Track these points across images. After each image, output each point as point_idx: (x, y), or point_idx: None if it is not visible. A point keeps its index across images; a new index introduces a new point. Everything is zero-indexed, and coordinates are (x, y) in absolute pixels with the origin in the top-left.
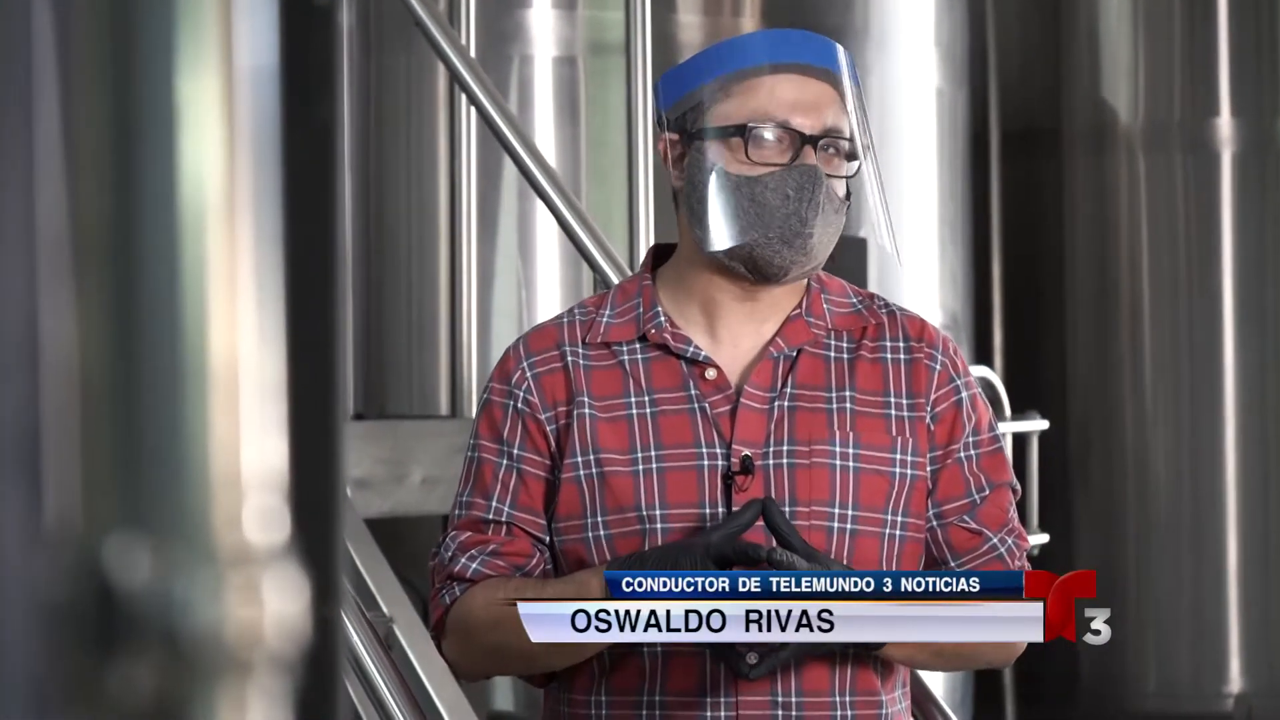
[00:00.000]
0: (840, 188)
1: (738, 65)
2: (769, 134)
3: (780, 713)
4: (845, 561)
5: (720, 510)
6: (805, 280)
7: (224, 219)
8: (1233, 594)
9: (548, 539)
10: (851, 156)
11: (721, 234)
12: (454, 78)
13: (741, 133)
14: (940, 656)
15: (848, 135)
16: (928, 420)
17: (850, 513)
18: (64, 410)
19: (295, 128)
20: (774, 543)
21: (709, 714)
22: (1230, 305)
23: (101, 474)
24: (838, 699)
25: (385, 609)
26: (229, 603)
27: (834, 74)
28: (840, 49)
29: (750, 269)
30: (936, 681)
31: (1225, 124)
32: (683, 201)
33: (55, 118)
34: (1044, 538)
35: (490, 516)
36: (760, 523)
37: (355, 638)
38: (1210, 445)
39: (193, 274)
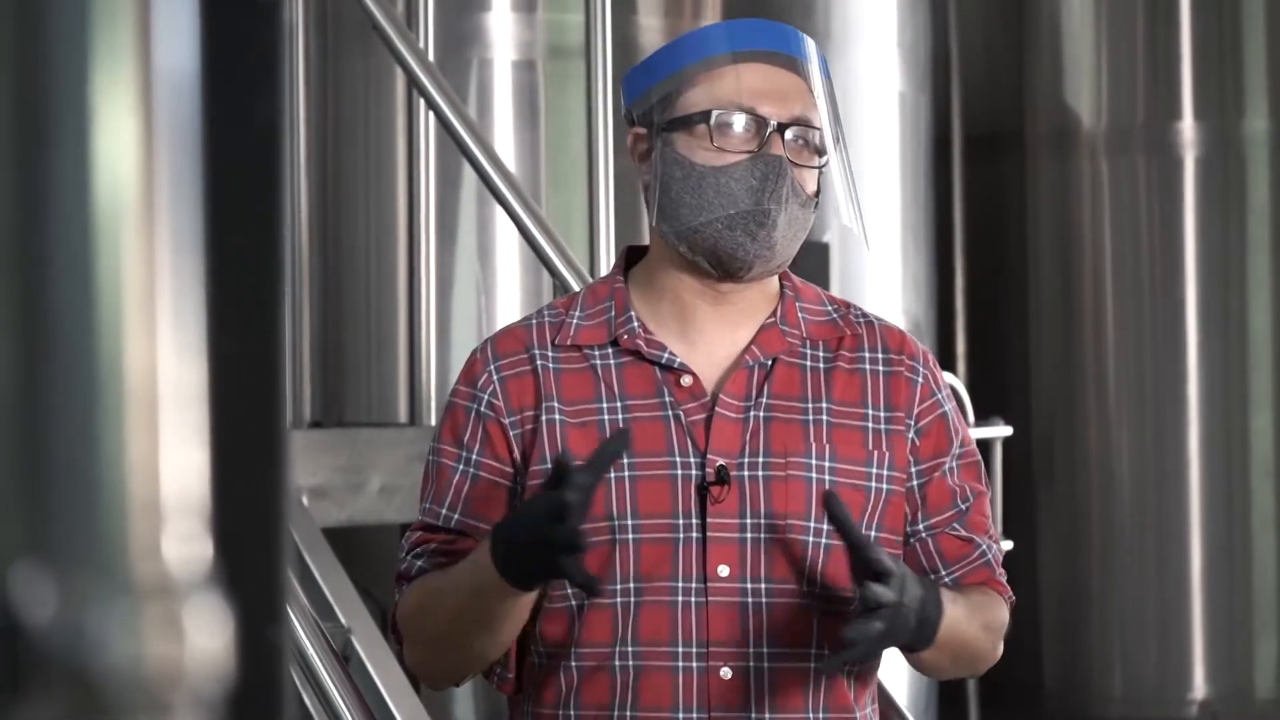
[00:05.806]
0: (809, 181)
1: (702, 55)
2: (735, 121)
3: None
4: (819, 575)
5: (694, 521)
6: (778, 285)
7: (140, 224)
8: (1196, 599)
9: None
10: (821, 151)
11: (686, 223)
12: (412, 81)
13: (706, 120)
14: (958, 662)
15: (817, 126)
16: (909, 435)
17: (825, 526)
18: None
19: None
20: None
21: None
22: (1193, 308)
23: (5, 498)
24: (812, 715)
25: (343, 619)
26: (146, 638)
27: (802, 64)
28: (809, 40)
29: (714, 263)
30: (901, 689)
31: (1188, 127)
32: (650, 195)
33: None
34: (1008, 544)
35: (440, 523)
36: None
37: (310, 651)
38: (1174, 449)
39: (107, 282)
